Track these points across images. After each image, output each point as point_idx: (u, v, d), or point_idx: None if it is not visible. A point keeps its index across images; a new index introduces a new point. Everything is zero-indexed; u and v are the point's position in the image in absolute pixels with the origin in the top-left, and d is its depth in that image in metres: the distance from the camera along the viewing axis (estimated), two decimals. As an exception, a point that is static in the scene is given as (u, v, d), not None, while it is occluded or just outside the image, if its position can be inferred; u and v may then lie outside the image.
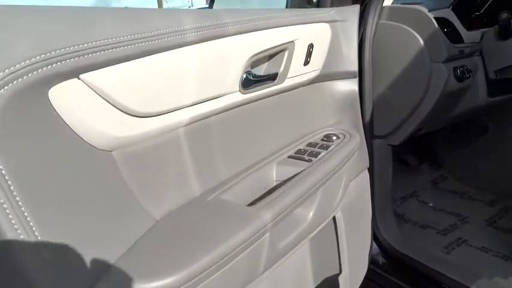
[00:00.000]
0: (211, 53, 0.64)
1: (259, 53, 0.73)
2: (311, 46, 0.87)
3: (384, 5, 1.32)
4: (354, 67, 1.03)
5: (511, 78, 1.49)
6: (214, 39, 0.63)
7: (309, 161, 0.82)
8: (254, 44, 0.72)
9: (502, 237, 1.55)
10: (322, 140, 0.94)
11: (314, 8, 1.07)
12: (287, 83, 0.84)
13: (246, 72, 0.72)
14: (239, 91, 0.72)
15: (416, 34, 1.28)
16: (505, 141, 1.80)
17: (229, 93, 0.70)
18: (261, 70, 0.80)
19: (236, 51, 0.68)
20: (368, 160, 1.19)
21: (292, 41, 0.82)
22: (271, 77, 0.80)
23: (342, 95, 1.03)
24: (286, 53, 0.81)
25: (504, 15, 1.30)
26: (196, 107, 0.65)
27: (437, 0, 1.40)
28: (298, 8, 1.21)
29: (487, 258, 1.42)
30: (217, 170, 0.71)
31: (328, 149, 0.88)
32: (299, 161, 0.82)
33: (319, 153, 0.85)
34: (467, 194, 1.88)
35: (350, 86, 1.04)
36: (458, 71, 1.32)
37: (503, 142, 1.81)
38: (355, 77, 1.05)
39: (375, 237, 1.43)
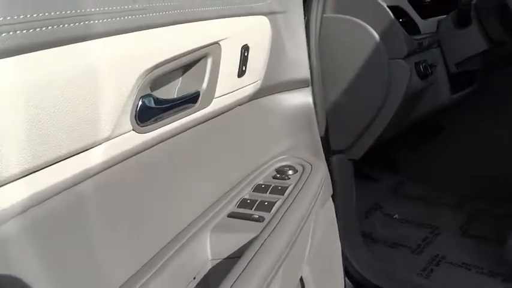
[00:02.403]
0: (65, 71, 0.35)
1: (161, 65, 0.45)
2: (245, 48, 0.61)
3: (327, -5, 1.10)
4: (305, 73, 0.78)
5: (473, 71, 1.33)
6: (65, 44, 0.34)
7: (260, 220, 0.54)
8: (151, 50, 0.44)
9: (479, 247, 1.38)
10: (275, 177, 0.67)
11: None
12: (216, 104, 0.57)
13: (142, 97, 0.44)
14: (133, 130, 0.43)
15: (369, 28, 1.06)
16: (461, 140, 1.67)
17: (112, 137, 0.41)
18: (172, 90, 0.52)
19: (116, 65, 0.40)
20: (331, 186, 0.96)
21: (217, 43, 0.55)
22: (190, 99, 0.52)
23: (293, 111, 0.78)
24: (209, 60, 0.54)
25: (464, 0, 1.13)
26: (50, 170, 0.35)
27: (388, -13, 1.20)
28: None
29: (472, 278, 1.24)
30: (108, 271, 0.42)
31: (285, 193, 0.61)
32: (245, 221, 0.55)
33: (274, 202, 0.58)
34: (431, 198, 1.72)
35: (303, 97, 0.79)
36: (421, 66, 1.12)
37: (459, 141, 1.68)
38: (308, 86, 0.80)
39: (345, 270, 1.21)
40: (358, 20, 1.08)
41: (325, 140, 1.15)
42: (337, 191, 1.20)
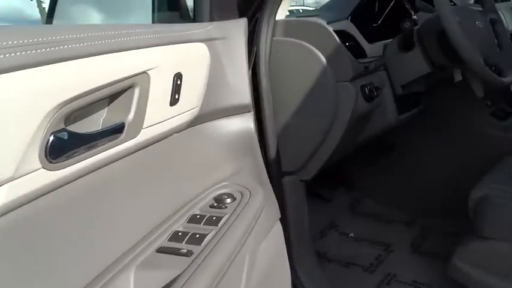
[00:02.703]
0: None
1: (78, 98, 0.43)
2: (178, 77, 0.60)
3: (277, 18, 1.12)
4: (246, 98, 0.78)
5: (418, 92, 1.38)
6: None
7: (188, 254, 0.52)
8: (66, 83, 0.42)
9: (429, 264, 1.42)
10: (212, 206, 0.66)
11: (184, 24, 0.80)
12: (145, 135, 0.55)
13: (54, 132, 0.42)
14: (43, 168, 0.41)
15: (317, 52, 1.08)
16: (413, 157, 1.72)
17: (17, 176, 0.38)
18: (96, 122, 0.50)
19: (21, 100, 0.37)
20: (278, 210, 0.95)
21: (145, 72, 0.53)
22: (113, 131, 0.50)
23: (235, 136, 0.77)
24: (137, 90, 0.52)
25: (407, 24, 1.17)
26: None
27: (335, 12, 1.23)
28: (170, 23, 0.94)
29: (420, 296, 1.26)
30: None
31: (219, 223, 0.60)
32: (173, 256, 0.53)
33: (205, 234, 0.57)
34: (385, 216, 1.76)
35: (244, 123, 0.79)
36: (366, 89, 1.15)
37: (410, 158, 1.73)
38: (249, 111, 0.80)
39: None
40: (307, 44, 1.10)
41: (277, 162, 1.15)
42: (288, 213, 1.19)
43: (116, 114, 0.51)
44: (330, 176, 1.73)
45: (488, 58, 1.14)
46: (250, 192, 0.70)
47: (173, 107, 0.60)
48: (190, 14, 0.92)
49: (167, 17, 0.92)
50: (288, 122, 1.13)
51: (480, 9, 1.32)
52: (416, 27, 1.23)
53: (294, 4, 8.89)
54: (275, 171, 1.16)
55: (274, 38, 1.11)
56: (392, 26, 1.42)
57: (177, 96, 0.60)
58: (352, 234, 1.66)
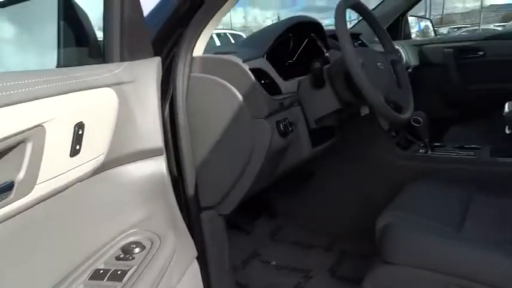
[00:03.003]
0: None
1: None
2: (80, 126, 0.58)
3: (194, 55, 1.13)
4: (158, 142, 0.77)
5: (331, 126, 1.47)
6: None
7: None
8: None
9: (346, 289, 1.49)
10: (118, 258, 0.63)
11: (91, 66, 0.78)
12: (40, 190, 0.52)
13: None
14: None
15: (233, 88, 1.11)
16: (329, 185, 1.81)
17: None
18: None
19: None
20: (194, 249, 0.94)
21: (40, 125, 0.51)
22: (2, 190, 0.47)
23: (145, 180, 0.76)
24: (29, 145, 0.50)
25: (316, 64, 1.25)
26: None
27: (251, 50, 1.28)
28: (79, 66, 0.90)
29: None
30: None
31: (124, 278, 0.58)
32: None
33: (107, 293, 0.55)
34: (306, 242, 1.82)
35: (155, 166, 0.78)
36: (281, 125, 1.20)
37: (327, 185, 1.82)
38: (161, 154, 0.79)
39: None
40: (223, 81, 1.12)
41: (195, 198, 1.15)
42: (208, 248, 1.19)
43: (6, 173, 0.48)
44: (250, 206, 1.76)
45: (389, 96, 1.25)
46: (160, 238, 0.68)
47: (74, 158, 0.57)
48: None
49: (75, 57, 0.89)
50: (206, 157, 1.14)
51: (382, 50, 1.45)
52: (326, 67, 1.31)
53: (222, 27, 9.02)
54: (193, 208, 1.15)
55: (191, 74, 1.13)
56: (306, 63, 1.50)
57: (78, 147, 0.57)
58: (274, 263, 1.69)
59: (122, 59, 0.82)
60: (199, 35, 1.11)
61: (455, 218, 1.10)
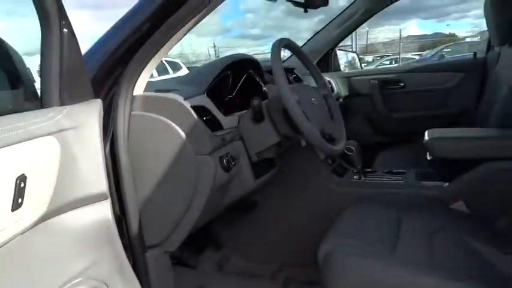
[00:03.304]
0: None
1: None
2: (22, 179, 0.56)
3: (134, 93, 1.14)
4: (102, 187, 0.77)
5: (271, 158, 1.53)
6: None
7: None
8: None
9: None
10: (63, 311, 0.61)
11: (30, 112, 0.75)
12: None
13: None
14: None
15: (176, 126, 1.13)
16: (273, 213, 1.86)
17: None
18: None
19: None
20: None
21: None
22: None
23: (90, 226, 0.75)
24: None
25: (256, 101, 1.31)
26: None
27: (192, 87, 1.31)
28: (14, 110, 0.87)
29: None
30: None
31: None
32: None
33: None
34: (251, 271, 1.83)
35: (100, 211, 0.77)
36: (224, 160, 1.23)
37: (271, 214, 1.86)
38: (106, 199, 0.79)
39: None
40: (165, 119, 1.13)
41: (139, 238, 1.13)
42: (153, 286, 1.17)
43: None
44: (196, 239, 1.75)
45: (323, 129, 1.34)
46: (107, 285, 0.67)
47: (15, 212, 0.56)
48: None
49: (9, 102, 0.85)
50: (151, 196, 1.13)
51: (315, 86, 1.56)
52: (264, 102, 1.38)
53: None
54: (138, 247, 1.13)
55: (132, 113, 1.13)
56: (245, 97, 1.57)
57: (20, 201, 0.56)
58: (220, 296, 1.68)
59: (62, 103, 0.81)
60: (140, 74, 1.12)
61: (388, 240, 1.19)
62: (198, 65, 15.52)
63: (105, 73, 1.10)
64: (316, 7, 1.79)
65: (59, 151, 0.67)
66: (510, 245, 1.14)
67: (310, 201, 1.78)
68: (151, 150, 1.13)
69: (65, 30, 0.79)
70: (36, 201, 0.60)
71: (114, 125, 1.08)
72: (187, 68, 10.06)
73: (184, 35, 1.14)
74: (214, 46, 17.46)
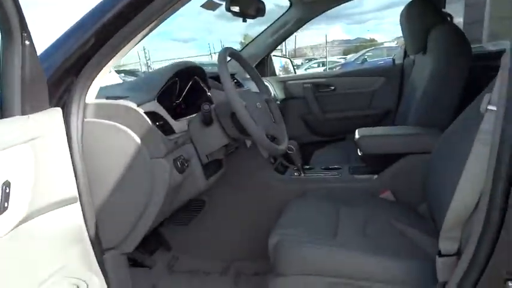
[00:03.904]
0: None
1: None
2: (7, 185, 0.60)
3: (86, 101, 1.16)
4: (72, 190, 0.80)
5: (219, 159, 1.62)
6: None
7: None
8: None
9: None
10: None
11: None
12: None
13: None
14: None
15: (130, 132, 1.17)
16: (220, 211, 1.94)
17: None
18: None
19: None
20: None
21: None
22: None
23: (63, 228, 0.78)
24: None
25: (206, 106, 1.39)
26: None
27: (142, 93, 1.35)
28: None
29: None
30: None
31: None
32: None
33: None
34: (202, 270, 1.90)
35: (72, 214, 0.81)
36: (178, 162, 1.29)
37: (219, 212, 1.94)
38: (76, 202, 0.82)
39: None
40: (120, 125, 1.17)
41: (97, 240, 1.16)
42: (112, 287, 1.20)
43: None
44: (145, 241, 1.78)
45: (268, 131, 1.46)
46: (86, 283, 0.72)
47: (2, 215, 0.59)
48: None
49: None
50: (108, 199, 1.16)
51: (257, 91, 1.67)
52: (212, 106, 1.46)
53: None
54: (96, 250, 1.16)
55: (86, 120, 1.15)
56: (192, 102, 1.64)
57: (6, 205, 0.60)
58: (171, 296, 1.73)
59: (23, 112, 0.83)
60: (92, 82, 1.15)
61: (329, 228, 1.33)
62: (127, 68, 15.06)
63: (56, 82, 1.11)
64: (254, 17, 1.92)
65: (33, 158, 0.70)
66: (430, 226, 1.34)
67: (255, 198, 1.89)
68: (107, 156, 1.16)
69: (27, 42, 0.81)
70: (18, 206, 0.64)
71: (68, 132, 1.09)
72: (116, 71, 9.75)
73: (137, 43, 1.19)
74: (144, 49, 16.99)
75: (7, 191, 0.59)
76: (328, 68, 14.24)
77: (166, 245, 1.97)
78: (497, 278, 0.81)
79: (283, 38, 2.78)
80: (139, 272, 1.73)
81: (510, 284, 0.77)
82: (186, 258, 1.95)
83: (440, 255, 1.02)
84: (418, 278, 1.10)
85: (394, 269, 1.12)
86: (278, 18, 2.67)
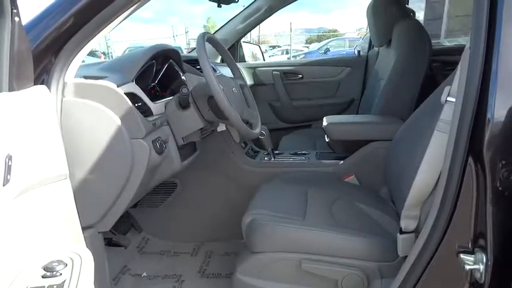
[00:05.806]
0: None
1: None
2: (9, 158, 0.62)
3: (65, 80, 1.16)
4: (63, 167, 0.83)
5: (193, 142, 1.66)
6: None
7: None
8: None
9: (217, 284, 1.68)
10: (45, 276, 0.68)
11: None
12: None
13: None
14: None
15: (111, 112, 1.18)
16: (191, 194, 1.98)
17: None
18: None
19: None
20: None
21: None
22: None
23: (53, 203, 0.81)
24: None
25: (184, 90, 1.42)
26: None
27: (120, 75, 1.36)
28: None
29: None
30: None
31: (63, 291, 0.64)
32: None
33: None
34: (172, 251, 1.95)
35: (61, 189, 0.83)
36: (157, 143, 1.32)
37: (189, 195, 1.99)
38: (65, 178, 0.85)
39: None
40: (100, 105, 1.18)
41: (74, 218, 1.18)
42: None
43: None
44: (117, 222, 1.80)
45: (242, 115, 1.51)
46: (80, 256, 0.75)
47: (5, 187, 0.62)
48: None
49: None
50: (85, 178, 1.18)
51: (232, 76, 1.72)
52: (191, 90, 1.49)
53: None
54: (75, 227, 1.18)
55: (64, 99, 1.15)
56: (166, 85, 1.66)
57: (8, 177, 0.62)
58: (144, 274, 1.77)
59: (11, 89, 0.84)
60: (71, 62, 1.15)
61: (299, 208, 1.41)
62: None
63: (35, 59, 1.10)
64: (228, 3, 1.96)
65: (27, 134, 0.72)
66: (390, 207, 1.46)
67: (226, 181, 1.95)
68: (86, 135, 1.17)
69: (16, 18, 0.82)
70: (18, 178, 0.66)
71: None
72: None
73: (118, 25, 1.20)
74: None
75: (9, 164, 0.62)
76: (292, 56, 14.39)
77: (137, 226, 1.99)
78: (451, 251, 0.92)
79: (254, 26, 2.81)
80: (110, 251, 1.75)
81: (462, 256, 0.88)
82: (156, 240, 1.99)
83: (401, 232, 1.13)
84: (380, 253, 1.21)
85: (359, 245, 1.22)
86: (249, 5, 2.70)
